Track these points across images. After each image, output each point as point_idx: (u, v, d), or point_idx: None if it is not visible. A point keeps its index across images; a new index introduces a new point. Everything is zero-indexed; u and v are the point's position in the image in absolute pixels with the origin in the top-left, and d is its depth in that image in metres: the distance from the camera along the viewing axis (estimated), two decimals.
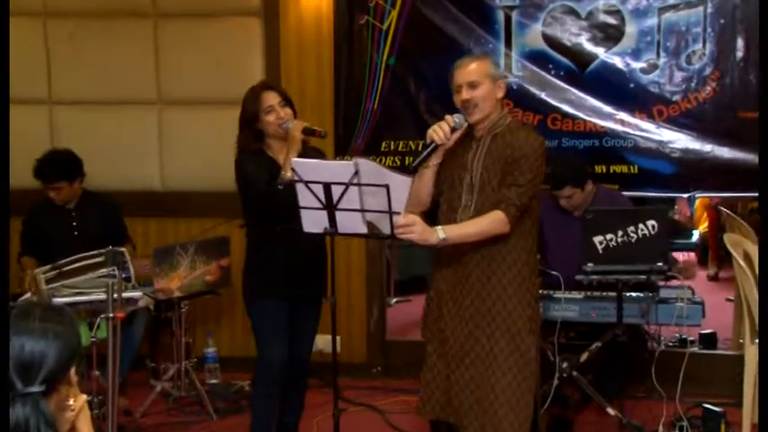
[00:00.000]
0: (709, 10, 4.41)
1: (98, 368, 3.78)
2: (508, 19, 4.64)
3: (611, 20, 4.54)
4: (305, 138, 3.43)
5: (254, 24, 5.05)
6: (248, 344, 4.01)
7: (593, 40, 4.57)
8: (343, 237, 3.19)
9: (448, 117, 3.06)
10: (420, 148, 3.71)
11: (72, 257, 3.80)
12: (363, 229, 2.98)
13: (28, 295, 3.88)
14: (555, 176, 4.09)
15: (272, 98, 3.47)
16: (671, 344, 4.76)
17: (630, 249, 3.75)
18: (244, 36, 5.06)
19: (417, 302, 3.37)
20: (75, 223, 4.56)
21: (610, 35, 4.54)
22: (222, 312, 5.16)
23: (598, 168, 4.51)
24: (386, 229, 2.87)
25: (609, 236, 3.77)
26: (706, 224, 7.13)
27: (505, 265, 3.08)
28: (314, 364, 3.78)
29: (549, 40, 4.61)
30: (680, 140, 4.48)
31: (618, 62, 4.54)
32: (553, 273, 3.93)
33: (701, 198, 6.20)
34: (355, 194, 2.89)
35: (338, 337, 3.45)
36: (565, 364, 3.86)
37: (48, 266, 3.84)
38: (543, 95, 4.63)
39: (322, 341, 3.87)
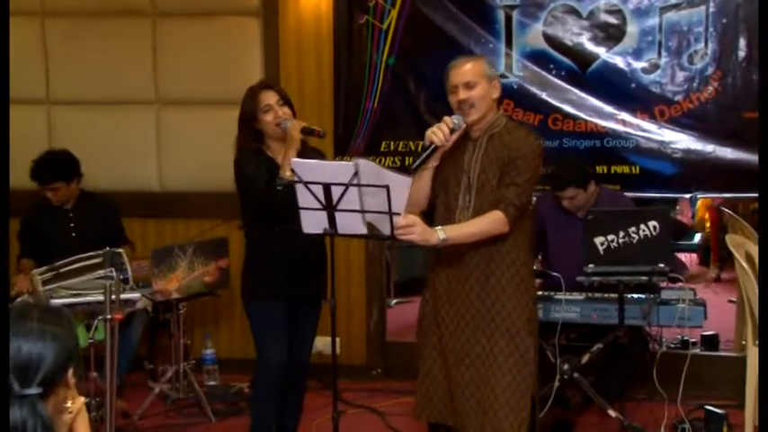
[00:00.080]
0: (711, 9, 4.39)
1: (96, 370, 3.77)
2: (509, 18, 4.63)
3: (613, 19, 4.52)
4: (304, 137, 3.41)
5: (253, 24, 5.03)
6: (247, 345, 3.99)
7: (595, 39, 4.55)
8: (343, 238, 3.17)
9: (446, 118, 3.04)
10: (419, 149, 3.69)
11: (69, 259, 3.78)
12: (363, 230, 2.96)
13: (25, 296, 3.86)
14: (557, 177, 4.08)
15: (269, 97, 3.46)
16: (673, 345, 4.76)
17: (632, 250, 3.72)
18: (243, 36, 5.04)
19: (417, 304, 3.35)
20: (73, 224, 4.54)
21: (611, 35, 4.52)
22: (221, 314, 5.14)
23: (599, 169, 4.49)
24: (386, 230, 2.86)
25: (610, 237, 3.74)
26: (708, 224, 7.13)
27: (504, 265, 3.08)
28: (313, 366, 3.75)
29: (549, 39, 4.60)
30: (682, 141, 4.47)
31: (619, 62, 4.52)
32: (554, 274, 3.91)
33: (702, 199, 6.19)
34: (355, 195, 2.87)
35: (338, 339, 3.42)
36: (566, 366, 3.83)
37: (45, 267, 3.82)
38: (544, 95, 4.61)
39: (321, 343, 3.86)
